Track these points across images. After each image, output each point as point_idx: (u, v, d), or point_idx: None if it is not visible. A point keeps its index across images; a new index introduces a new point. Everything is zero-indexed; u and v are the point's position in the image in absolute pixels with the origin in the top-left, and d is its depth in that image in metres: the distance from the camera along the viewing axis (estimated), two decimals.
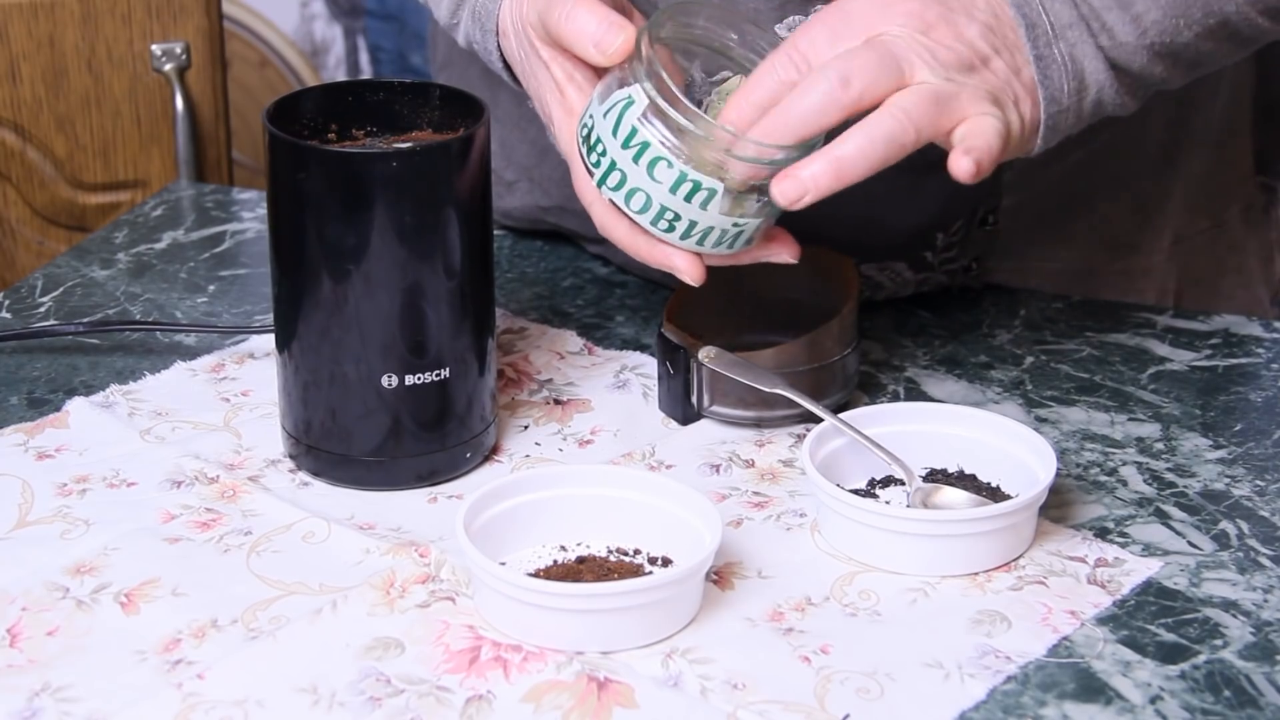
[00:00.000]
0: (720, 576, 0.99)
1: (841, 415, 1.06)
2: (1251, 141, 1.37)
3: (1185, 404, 1.16)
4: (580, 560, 0.99)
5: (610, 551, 1.00)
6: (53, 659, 0.93)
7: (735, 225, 1.01)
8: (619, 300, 1.29)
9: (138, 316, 1.26)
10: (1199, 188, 1.33)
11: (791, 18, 1.12)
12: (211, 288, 1.30)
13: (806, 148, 0.98)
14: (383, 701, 0.90)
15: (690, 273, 1.03)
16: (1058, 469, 1.02)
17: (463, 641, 0.94)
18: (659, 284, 1.30)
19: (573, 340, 1.24)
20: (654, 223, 1.01)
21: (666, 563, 0.99)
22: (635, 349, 1.22)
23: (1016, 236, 1.28)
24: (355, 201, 1.01)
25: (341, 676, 0.92)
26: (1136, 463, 1.10)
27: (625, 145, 1.00)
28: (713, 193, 0.99)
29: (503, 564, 0.98)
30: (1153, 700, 0.91)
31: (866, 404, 1.14)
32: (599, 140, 1.01)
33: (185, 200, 1.44)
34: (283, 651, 0.93)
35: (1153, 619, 0.97)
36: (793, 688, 0.91)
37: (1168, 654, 0.94)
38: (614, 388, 1.18)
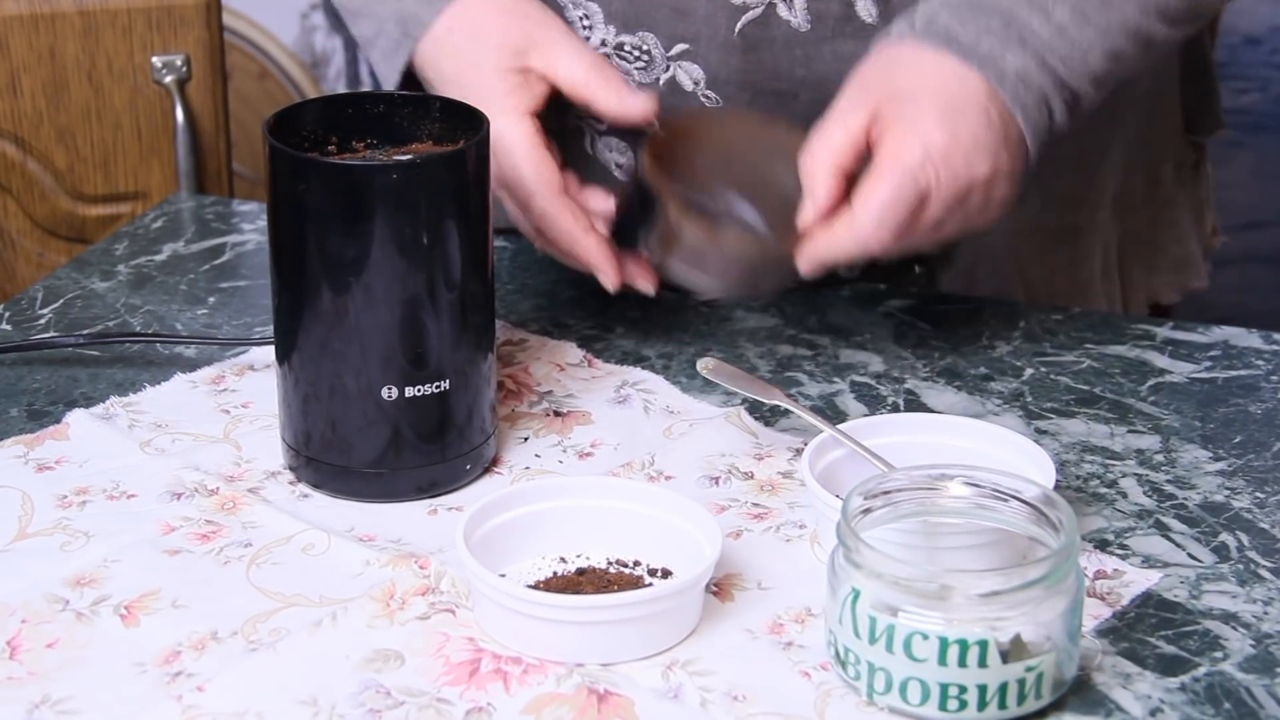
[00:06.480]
0: (720, 588, 0.99)
1: (841, 426, 1.06)
2: (1180, 101, 1.42)
3: (1185, 416, 1.16)
4: (580, 572, 0.99)
5: (610, 563, 1.00)
6: (52, 671, 0.93)
7: (1028, 669, 0.88)
8: (619, 312, 1.29)
9: (138, 328, 1.26)
10: (1135, 146, 1.38)
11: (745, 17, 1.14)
12: (212, 299, 1.30)
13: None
14: (382, 714, 0.90)
15: (609, 276, 1.09)
16: (1057, 481, 1.02)
17: (463, 653, 0.94)
18: (658, 299, 1.29)
19: (573, 352, 1.23)
20: (943, 708, 0.88)
21: (666, 574, 0.99)
22: (635, 361, 1.22)
23: None
24: (355, 213, 1.01)
25: (341, 688, 0.92)
26: (1136, 475, 1.10)
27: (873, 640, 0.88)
28: (984, 644, 0.86)
29: (503, 576, 0.98)
30: (1153, 713, 0.91)
31: (866, 415, 1.14)
32: (849, 650, 0.90)
33: (185, 212, 1.44)
34: (283, 663, 0.93)
35: (1153, 631, 0.97)
36: (793, 700, 0.91)
37: (1168, 666, 0.94)
38: (614, 401, 1.18)
